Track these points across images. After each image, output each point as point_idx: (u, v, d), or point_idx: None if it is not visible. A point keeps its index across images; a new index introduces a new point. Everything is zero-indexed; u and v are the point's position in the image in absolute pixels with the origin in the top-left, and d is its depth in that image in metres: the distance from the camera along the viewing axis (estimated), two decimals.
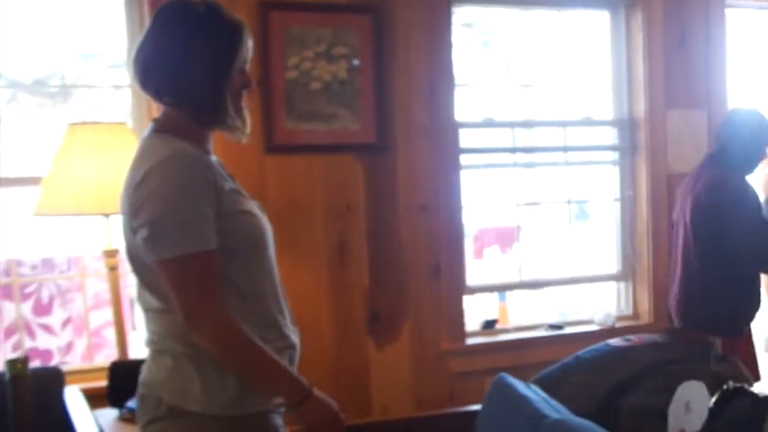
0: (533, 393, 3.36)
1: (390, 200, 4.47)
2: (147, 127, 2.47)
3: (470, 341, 4.77)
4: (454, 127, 4.66)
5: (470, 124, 4.86)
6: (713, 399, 3.02)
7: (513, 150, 5.07)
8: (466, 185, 4.73)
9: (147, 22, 3.83)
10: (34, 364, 3.80)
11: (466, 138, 4.78)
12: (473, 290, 5.06)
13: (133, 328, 5.21)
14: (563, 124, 5.17)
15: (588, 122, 5.25)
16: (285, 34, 4.20)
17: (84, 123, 3.73)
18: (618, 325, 5.08)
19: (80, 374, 4.10)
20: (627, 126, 5.20)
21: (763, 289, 4.49)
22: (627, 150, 5.21)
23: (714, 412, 3.00)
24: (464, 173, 4.73)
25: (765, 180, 5.53)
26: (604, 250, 5.52)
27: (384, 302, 4.48)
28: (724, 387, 3.05)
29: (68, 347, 5.30)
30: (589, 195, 5.93)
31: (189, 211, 2.25)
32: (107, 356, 4.70)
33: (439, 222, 4.58)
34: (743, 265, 4.25)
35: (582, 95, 5.26)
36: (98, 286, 4.99)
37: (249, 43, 2.47)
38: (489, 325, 4.97)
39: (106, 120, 3.97)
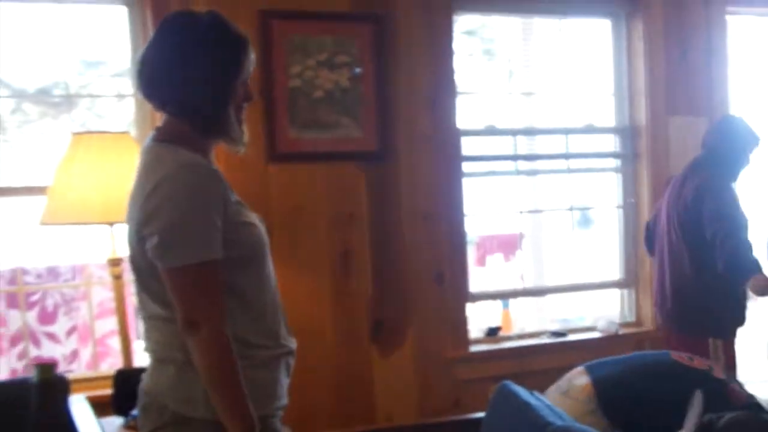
0: (537, 400, 3.36)
1: (393, 208, 4.48)
2: (149, 137, 2.48)
3: (474, 348, 4.78)
4: (457, 134, 4.67)
5: (472, 131, 4.87)
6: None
7: (515, 158, 5.08)
8: (469, 193, 4.74)
9: (150, 31, 3.89)
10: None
11: (468, 146, 4.79)
12: (476, 298, 5.07)
13: (138, 336, 5.22)
14: (565, 131, 5.18)
15: (590, 130, 5.26)
16: (287, 42, 4.21)
17: (88, 132, 3.74)
18: (621, 332, 5.08)
19: (85, 382, 4.12)
20: (629, 133, 5.21)
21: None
22: (629, 157, 5.22)
23: None
24: (466, 181, 4.74)
25: None
26: (607, 257, 5.53)
27: (387, 310, 4.49)
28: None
29: (73, 355, 5.30)
30: (591, 202, 5.94)
31: (200, 221, 2.28)
32: (112, 365, 4.70)
33: (442, 230, 4.59)
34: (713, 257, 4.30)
35: (584, 103, 5.27)
36: (103, 294, 5.00)
37: (252, 57, 2.49)
38: (492, 333, 4.98)
39: (110, 129, 3.99)
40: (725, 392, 3.46)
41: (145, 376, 2.48)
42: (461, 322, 4.71)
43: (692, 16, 5.17)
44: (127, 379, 3.54)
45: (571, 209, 5.29)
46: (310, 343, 4.21)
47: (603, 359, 3.89)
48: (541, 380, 4.54)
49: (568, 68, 5.17)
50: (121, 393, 3.56)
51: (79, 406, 3.71)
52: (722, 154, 4.37)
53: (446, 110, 4.60)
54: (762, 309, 4.77)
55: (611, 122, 5.27)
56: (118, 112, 4.64)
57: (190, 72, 2.38)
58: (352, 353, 4.42)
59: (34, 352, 4.45)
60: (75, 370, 5.10)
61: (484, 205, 5.31)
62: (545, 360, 4.85)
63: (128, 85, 4.30)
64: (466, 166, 4.76)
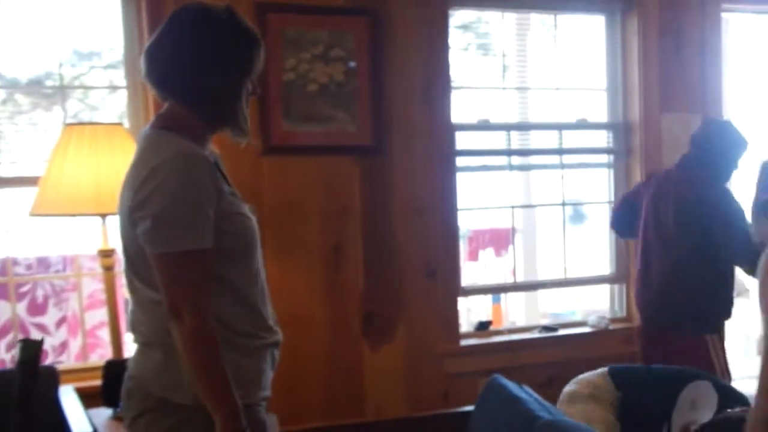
0: (526, 394, 3.38)
1: (386, 202, 4.48)
2: (148, 123, 2.51)
3: (464, 342, 4.78)
4: (450, 129, 4.67)
5: (466, 126, 4.87)
6: None
7: (508, 152, 5.08)
8: (462, 187, 4.74)
9: (145, 22, 3.89)
10: None
11: (461, 140, 4.79)
12: (468, 292, 5.08)
13: (128, 328, 5.22)
14: (558, 127, 5.18)
15: (583, 125, 5.26)
16: (282, 36, 4.21)
17: (80, 124, 3.74)
18: (611, 327, 5.09)
19: (75, 373, 4.12)
20: (622, 129, 5.22)
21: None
22: (622, 153, 5.22)
23: None
24: (459, 175, 4.74)
25: None
26: (598, 252, 5.54)
27: (379, 303, 4.49)
28: None
29: (63, 347, 5.30)
30: (583, 197, 5.94)
31: (193, 209, 2.29)
32: (102, 356, 4.70)
33: (434, 224, 4.59)
34: (727, 260, 4.30)
35: (577, 98, 5.27)
36: (93, 286, 4.99)
37: (263, 53, 2.52)
38: (483, 327, 4.98)
39: (103, 121, 3.99)
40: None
41: (130, 362, 2.50)
42: (452, 316, 4.71)
43: (687, 13, 5.17)
44: (116, 370, 3.53)
45: (563, 204, 5.29)
46: (301, 336, 4.22)
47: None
48: (531, 374, 4.58)
49: (563, 64, 5.17)
50: (111, 384, 3.56)
51: (68, 397, 3.72)
52: (715, 159, 4.35)
53: (440, 105, 4.61)
54: (740, 305, 4.80)
55: (604, 118, 5.27)
56: (110, 104, 4.62)
57: (208, 64, 2.42)
58: (343, 346, 4.42)
59: None
60: (64, 362, 5.10)
61: (477, 199, 5.31)
62: (535, 354, 4.86)
63: (121, 77, 4.30)
64: (459, 161, 4.77)
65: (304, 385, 4.26)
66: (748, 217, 4.15)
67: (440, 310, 4.63)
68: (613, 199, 5.25)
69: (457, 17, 4.92)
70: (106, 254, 3.76)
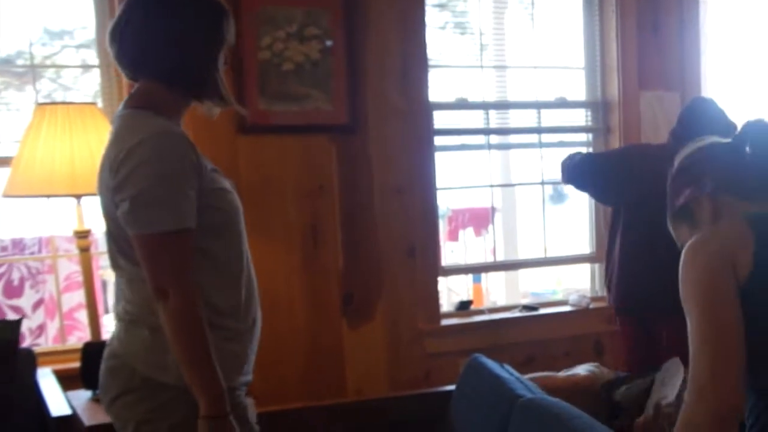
0: (507, 373, 3.37)
1: (363, 181, 4.46)
2: (121, 104, 2.48)
3: (445, 322, 4.77)
4: (428, 108, 4.65)
5: (444, 105, 4.85)
6: None
7: (487, 131, 5.07)
8: (440, 167, 4.72)
9: (116, 1, 3.84)
10: None
11: (439, 119, 4.78)
12: (448, 271, 5.08)
13: (106, 310, 5.19)
14: (537, 105, 5.17)
15: (562, 104, 5.25)
16: (257, 14, 4.17)
17: (53, 103, 3.70)
18: (592, 306, 5.09)
19: (53, 356, 4.09)
20: (600, 107, 5.21)
21: None
22: (601, 131, 5.22)
23: None
24: (438, 155, 4.72)
25: None
26: (578, 231, 5.54)
27: (358, 283, 4.47)
28: None
29: (40, 329, 5.28)
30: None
31: (172, 189, 2.27)
32: (80, 338, 4.68)
33: (414, 203, 4.57)
34: None
35: (556, 77, 5.26)
36: (70, 267, 4.97)
37: (232, 23, 2.52)
38: (463, 307, 4.98)
39: (76, 101, 3.95)
40: None
41: (112, 339, 2.47)
42: (432, 296, 4.70)
43: None
44: (95, 352, 3.50)
45: (542, 183, 5.28)
46: (280, 316, 4.20)
47: None
48: (512, 354, 4.58)
49: (540, 42, 5.15)
50: (89, 366, 3.53)
51: (46, 380, 3.70)
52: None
53: (418, 83, 4.58)
54: None
55: (583, 96, 5.26)
56: (83, 84, 4.58)
57: (181, 36, 2.41)
58: (322, 326, 4.41)
59: None
60: (42, 344, 5.08)
61: (456, 179, 5.30)
62: (516, 334, 4.86)
63: (94, 56, 4.26)
64: (437, 140, 4.75)
65: (283, 366, 4.24)
66: None
67: (420, 289, 4.62)
68: None
69: None
70: (82, 235, 3.72)
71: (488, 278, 6.86)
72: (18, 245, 5.22)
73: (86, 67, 4.52)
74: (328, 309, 4.41)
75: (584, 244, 5.38)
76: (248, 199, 4.05)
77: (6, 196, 3.61)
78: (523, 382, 3.26)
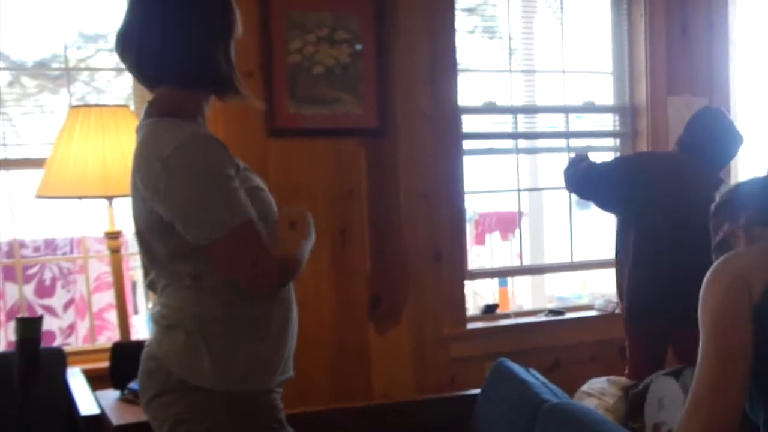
0: (533, 377, 3.38)
1: (392, 185, 4.47)
2: (143, 113, 2.46)
3: (471, 326, 4.78)
4: (456, 112, 4.66)
5: (472, 109, 4.86)
6: None
7: (515, 135, 5.07)
8: (468, 170, 4.73)
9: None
10: None
11: (468, 123, 4.79)
12: (474, 275, 5.08)
13: (135, 311, 5.23)
14: (565, 110, 5.17)
15: (590, 108, 5.25)
16: (286, 17, 4.20)
17: (87, 106, 3.74)
18: (618, 311, 5.08)
19: (82, 355, 4.13)
20: (628, 112, 5.21)
21: None
22: (628, 136, 5.22)
23: None
24: (466, 158, 4.74)
25: None
26: (605, 236, 5.53)
27: (385, 287, 4.49)
28: None
29: (70, 329, 5.32)
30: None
31: (222, 189, 2.28)
32: (109, 338, 4.71)
33: (441, 207, 4.59)
34: None
35: (584, 81, 5.26)
36: (100, 268, 5.01)
37: (238, 12, 2.51)
38: (490, 310, 4.99)
39: (109, 103, 3.98)
40: None
41: (150, 341, 2.48)
42: (459, 300, 4.71)
43: None
44: (124, 352, 3.56)
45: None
46: (308, 319, 4.19)
47: None
48: (538, 358, 4.58)
49: (569, 47, 5.15)
50: (118, 366, 3.57)
51: (75, 379, 3.73)
52: (714, 147, 4.28)
53: (446, 87, 4.59)
54: None
55: (611, 101, 5.26)
56: (116, 87, 4.62)
57: (198, 38, 2.40)
58: (350, 329, 4.43)
59: None
60: (72, 344, 5.12)
61: (484, 183, 5.31)
62: (542, 338, 4.86)
63: None
64: (465, 144, 4.76)
65: (311, 368, 4.26)
66: None
67: (447, 293, 4.63)
68: None
69: (463, 0, 4.90)
70: (113, 236, 3.76)
71: (514, 282, 6.86)
72: (50, 246, 5.26)
73: (119, 70, 4.55)
74: (355, 312, 4.43)
75: (610, 249, 5.36)
76: (277, 202, 4.10)
77: (39, 196, 3.65)
78: (549, 387, 3.26)
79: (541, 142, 5.43)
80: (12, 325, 4.48)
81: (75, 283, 5.34)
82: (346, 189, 4.38)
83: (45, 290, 5.27)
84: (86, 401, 3.43)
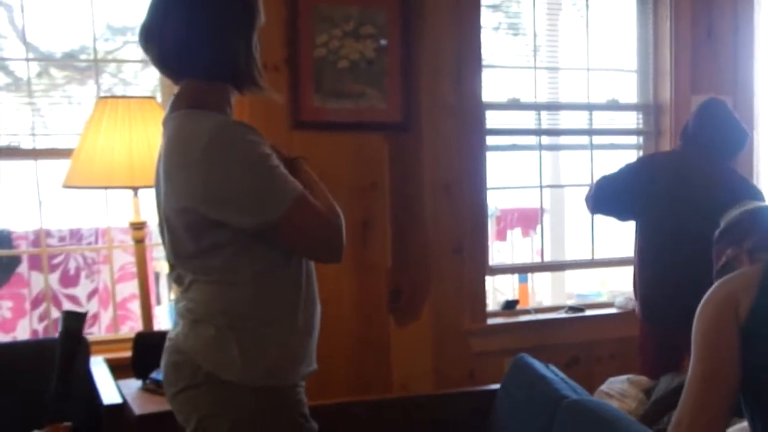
0: (552, 374, 3.39)
1: (415, 179, 4.49)
2: (169, 107, 2.48)
3: (491, 321, 4.79)
4: (481, 108, 4.67)
5: (496, 105, 4.87)
6: None
7: (538, 132, 5.08)
8: (491, 166, 4.74)
9: None
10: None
11: (491, 119, 4.80)
12: (495, 271, 5.09)
13: (158, 301, 5.26)
14: (589, 107, 5.17)
15: (613, 106, 5.25)
16: (313, 12, 4.21)
17: (114, 97, 3.76)
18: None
19: (105, 345, 4.16)
20: (652, 110, 5.21)
21: None
22: (652, 134, 5.22)
23: None
24: (489, 154, 4.75)
25: None
26: (626, 234, 5.53)
27: (406, 280, 4.51)
28: None
29: (94, 318, 5.35)
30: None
31: (270, 168, 2.30)
32: (132, 328, 4.75)
33: (463, 202, 4.60)
34: None
35: (608, 79, 5.26)
36: (124, 258, 5.04)
37: (260, 3, 2.51)
38: (510, 306, 4.99)
39: (136, 94, 4.01)
40: None
41: (177, 335, 2.48)
42: (479, 295, 4.72)
43: None
44: (146, 342, 3.58)
45: (592, 185, 5.27)
46: (329, 312, 4.19)
47: None
48: (557, 354, 4.59)
49: (593, 44, 5.15)
50: (141, 356, 3.60)
51: (98, 368, 3.76)
52: (721, 143, 4.25)
53: (471, 83, 4.60)
54: None
55: (635, 99, 5.26)
56: (143, 79, 4.65)
57: (210, 30, 2.40)
58: (370, 322, 4.45)
59: (55, 314, 4.49)
60: (95, 333, 5.15)
61: (506, 179, 5.31)
62: (562, 334, 4.87)
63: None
64: (489, 140, 4.77)
65: (331, 360, 4.27)
66: None
67: (467, 288, 4.65)
68: None
69: None
70: (138, 227, 3.78)
71: (534, 279, 6.86)
72: (75, 235, 5.29)
73: (146, 62, 4.57)
74: (376, 305, 4.45)
75: (631, 247, 5.36)
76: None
77: (66, 186, 3.68)
78: (568, 383, 3.27)
79: (564, 139, 5.43)
80: (38, 313, 4.54)
81: (99, 273, 5.38)
82: (369, 182, 4.39)
83: (69, 280, 5.31)
84: (109, 390, 3.45)
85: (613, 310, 5.13)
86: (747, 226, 2.29)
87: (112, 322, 4.62)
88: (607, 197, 4.40)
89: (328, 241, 2.39)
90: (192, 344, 2.42)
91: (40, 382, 3.32)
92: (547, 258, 5.61)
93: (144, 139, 3.56)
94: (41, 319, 5.05)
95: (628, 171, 4.39)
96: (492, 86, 4.84)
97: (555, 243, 6.92)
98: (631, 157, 5.29)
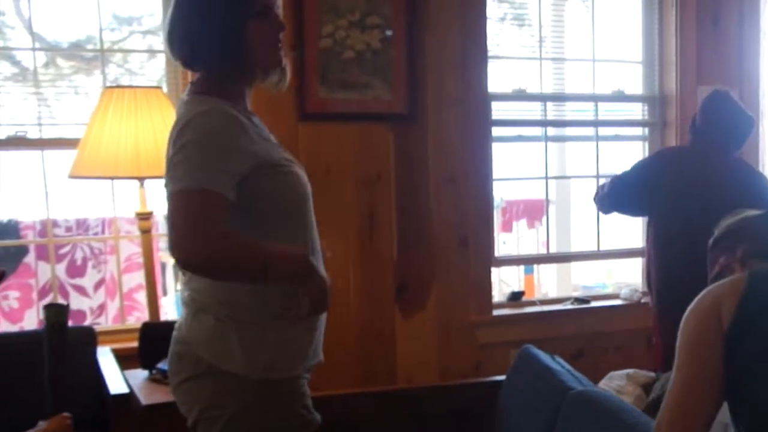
0: (558, 365, 3.40)
1: (420, 170, 4.49)
2: (185, 91, 2.52)
3: (496, 313, 4.79)
4: (486, 99, 4.66)
5: (502, 96, 4.87)
6: None
7: (544, 123, 5.08)
8: (496, 157, 4.74)
9: None
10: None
11: (497, 110, 4.79)
12: (500, 262, 5.09)
13: (164, 292, 5.27)
14: (594, 98, 5.17)
15: (619, 97, 5.24)
16: (319, 2, 4.21)
17: (120, 87, 3.77)
18: (644, 300, 5.09)
19: (112, 335, 4.17)
20: (658, 102, 5.20)
21: None
22: (657, 126, 5.21)
23: None
24: (495, 145, 4.74)
25: None
26: (631, 225, 5.53)
27: (412, 272, 4.51)
28: None
29: (101, 308, 5.36)
30: (618, 170, 5.92)
31: (208, 157, 2.28)
32: (138, 318, 4.76)
33: (469, 193, 4.60)
34: None
35: (613, 70, 5.26)
36: (131, 249, 5.05)
37: None
38: (515, 297, 5.00)
39: (142, 85, 4.01)
40: None
41: (180, 325, 2.50)
42: (485, 287, 4.72)
43: None
44: (152, 333, 3.59)
45: (597, 176, 5.28)
46: (334, 303, 4.20)
47: None
48: (563, 346, 4.59)
49: (599, 35, 5.14)
50: (147, 346, 3.61)
51: (105, 358, 3.78)
52: (729, 136, 4.24)
53: (476, 74, 4.60)
54: None
55: (640, 90, 5.25)
56: (149, 69, 4.66)
57: (198, 26, 2.43)
58: (376, 314, 4.45)
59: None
60: (102, 323, 5.17)
61: (512, 170, 5.31)
62: (568, 326, 4.87)
63: (160, 42, 4.33)
64: (494, 131, 4.77)
65: (337, 352, 4.26)
66: None
67: (473, 279, 4.65)
68: None
69: None
70: (144, 217, 3.79)
71: (540, 270, 6.86)
72: (82, 225, 5.30)
73: (152, 52, 4.59)
74: (381, 297, 4.45)
75: (637, 238, 5.37)
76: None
77: (72, 177, 3.69)
78: (574, 375, 3.28)
79: (569, 131, 5.42)
80: (44, 304, 4.53)
81: (106, 264, 5.39)
82: (374, 174, 4.39)
83: (76, 270, 5.32)
84: (115, 380, 3.47)
85: (618, 302, 5.13)
86: (739, 234, 2.29)
87: (118, 313, 4.64)
88: (622, 195, 4.35)
89: (177, 246, 2.26)
90: (194, 335, 2.43)
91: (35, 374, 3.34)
92: (553, 249, 5.62)
93: (150, 129, 3.57)
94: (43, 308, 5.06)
95: (640, 167, 4.37)
96: (498, 77, 4.84)
97: (561, 234, 6.92)
98: (637, 148, 5.30)
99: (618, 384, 4.08)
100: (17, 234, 5.25)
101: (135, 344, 3.70)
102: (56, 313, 3.07)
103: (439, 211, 4.54)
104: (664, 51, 5.16)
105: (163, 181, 2.39)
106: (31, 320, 5.18)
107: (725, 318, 1.98)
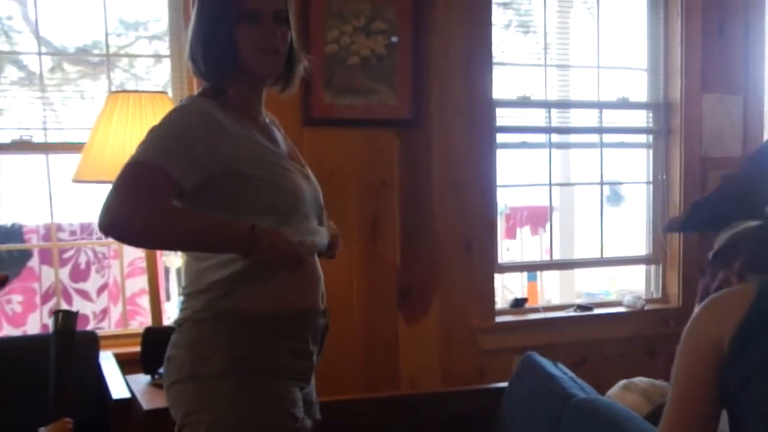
0: (561, 372, 3.39)
1: (424, 176, 4.49)
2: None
3: (500, 319, 4.79)
4: (491, 105, 4.67)
5: (506, 102, 4.87)
6: None
7: (548, 130, 5.08)
8: (501, 164, 4.74)
9: None
10: None
11: (501, 117, 4.79)
12: (504, 269, 5.09)
13: (167, 297, 5.27)
14: (599, 105, 5.17)
15: (623, 104, 5.24)
16: (326, 6, 4.21)
17: (125, 91, 3.77)
18: (647, 308, 5.09)
19: (115, 339, 4.18)
20: (662, 109, 5.20)
21: None
22: (662, 133, 5.21)
23: None
24: (499, 152, 4.74)
25: None
26: (635, 233, 5.53)
27: (415, 278, 4.51)
28: None
29: (103, 313, 5.35)
30: (622, 177, 5.92)
31: (170, 143, 2.30)
32: (141, 323, 4.75)
33: (473, 200, 4.60)
34: None
35: (618, 77, 5.26)
36: (134, 253, 5.05)
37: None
38: (518, 304, 4.99)
39: (147, 89, 4.02)
40: None
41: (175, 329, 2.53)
42: (488, 293, 4.72)
43: None
44: (155, 338, 3.59)
45: (601, 184, 5.28)
46: (338, 309, 4.22)
47: None
48: (566, 353, 4.59)
49: (604, 42, 5.14)
50: (149, 351, 3.61)
51: (107, 362, 3.78)
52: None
53: (481, 80, 4.60)
54: None
55: (645, 97, 5.25)
56: (155, 74, 4.66)
57: (193, 33, 2.48)
58: (379, 320, 4.45)
59: (65, 308, 4.49)
60: (105, 328, 5.16)
61: (516, 176, 5.31)
62: (570, 333, 4.87)
63: (166, 47, 4.33)
64: (499, 137, 4.77)
65: (340, 357, 4.28)
66: None
67: (476, 285, 4.65)
68: (651, 179, 5.23)
69: None
70: None
71: (543, 277, 6.86)
72: (86, 230, 5.29)
73: (158, 57, 4.59)
74: (384, 303, 4.45)
75: (640, 246, 5.37)
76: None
77: (76, 181, 3.69)
78: (577, 382, 3.27)
79: (574, 137, 5.42)
80: (49, 307, 4.54)
81: (109, 268, 5.37)
82: (378, 179, 4.40)
83: (80, 274, 5.31)
84: (117, 385, 3.47)
85: (622, 309, 5.13)
86: (737, 248, 2.29)
87: (121, 317, 4.64)
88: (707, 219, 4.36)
89: (110, 208, 2.29)
90: (182, 339, 2.45)
91: (48, 377, 3.34)
92: (556, 256, 5.60)
93: None
94: (51, 313, 5.05)
95: (725, 198, 4.37)
96: (502, 84, 4.84)
97: (564, 241, 6.92)
98: (641, 155, 5.30)
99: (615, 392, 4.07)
100: (21, 238, 5.25)
101: (137, 349, 3.70)
102: (64, 320, 3.08)
103: (442, 216, 4.54)
104: (670, 58, 5.16)
105: None
106: (35, 324, 5.17)
107: (728, 330, 1.97)
